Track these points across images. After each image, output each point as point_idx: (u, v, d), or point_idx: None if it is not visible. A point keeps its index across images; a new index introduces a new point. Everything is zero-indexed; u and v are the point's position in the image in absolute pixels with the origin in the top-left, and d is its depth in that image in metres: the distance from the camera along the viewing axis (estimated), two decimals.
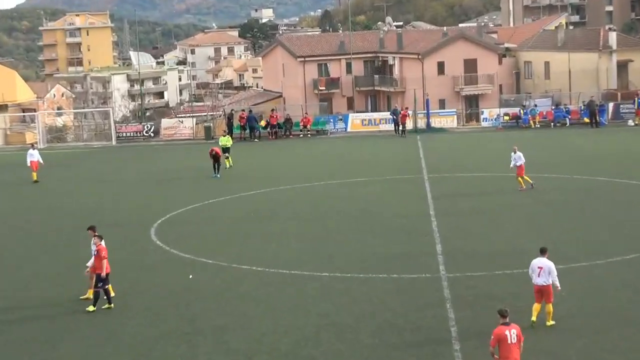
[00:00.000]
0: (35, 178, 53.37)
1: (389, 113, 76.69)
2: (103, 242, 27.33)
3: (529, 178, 43.86)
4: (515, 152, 44.27)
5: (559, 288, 24.10)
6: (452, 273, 29.52)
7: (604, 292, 26.68)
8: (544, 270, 24.05)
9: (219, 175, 52.24)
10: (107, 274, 26.79)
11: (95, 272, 26.90)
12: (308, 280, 29.55)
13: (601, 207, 39.46)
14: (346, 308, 26.33)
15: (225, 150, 55.10)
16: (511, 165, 44.34)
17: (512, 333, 18.93)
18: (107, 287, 26.97)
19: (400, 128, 71.28)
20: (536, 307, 24.11)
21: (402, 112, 72.79)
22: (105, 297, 27.02)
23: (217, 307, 27.01)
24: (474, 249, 32.67)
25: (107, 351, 23.73)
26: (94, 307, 26.76)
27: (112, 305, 27.01)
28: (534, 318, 23.99)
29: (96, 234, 27.87)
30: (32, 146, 56.34)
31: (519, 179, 43.95)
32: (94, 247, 27.35)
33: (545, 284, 23.98)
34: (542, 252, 24.62)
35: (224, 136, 57.21)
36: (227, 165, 54.88)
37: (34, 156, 54.12)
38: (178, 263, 32.45)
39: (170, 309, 26.92)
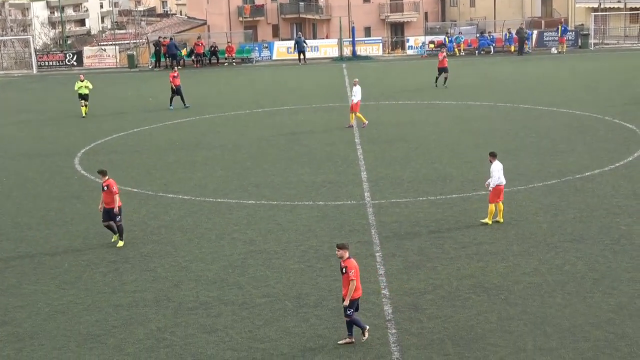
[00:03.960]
0: None
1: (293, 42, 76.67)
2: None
3: (363, 117, 42.74)
4: (355, 86, 42.76)
5: None
6: (377, 200, 29.96)
7: (524, 217, 27.32)
8: (497, 170, 26.64)
9: (186, 106, 50.68)
10: (119, 207, 26.18)
11: (108, 207, 26.10)
12: (234, 208, 29.78)
13: (524, 134, 40.11)
14: (272, 235, 26.66)
15: (83, 97, 49.54)
16: (351, 99, 43.18)
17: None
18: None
19: (441, 75, 55.36)
20: (500, 206, 26.67)
21: (440, 53, 56.96)
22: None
23: (143, 236, 27.13)
24: (399, 176, 33.11)
25: (31, 279, 23.80)
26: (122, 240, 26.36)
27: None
28: (500, 218, 26.79)
29: (100, 171, 26.88)
30: None
31: (352, 114, 42.77)
32: None
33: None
34: (496, 155, 26.96)
35: (81, 80, 49.70)
36: (84, 114, 49.59)
37: None
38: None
39: (97, 238, 26.94)
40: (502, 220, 26.71)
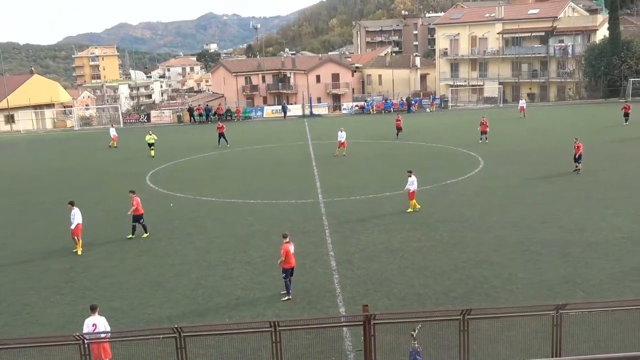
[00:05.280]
0: (115, 145, 52.32)
1: (280, 106, 76.13)
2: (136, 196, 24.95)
3: (345, 151, 42.21)
4: (341, 131, 42.47)
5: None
6: (326, 199, 29.88)
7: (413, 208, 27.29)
8: (415, 180, 26.44)
9: (228, 145, 48.90)
10: (141, 214, 24.65)
11: (135, 213, 24.60)
12: (242, 205, 29.56)
13: (411, 159, 40.05)
14: (265, 221, 26.51)
15: (150, 145, 46.40)
16: (338, 139, 42.66)
17: (293, 247, 18.50)
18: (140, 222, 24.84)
19: (399, 133, 49.64)
20: (413, 203, 26.40)
21: (397, 118, 51.79)
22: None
23: (187, 222, 26.88)
24: (339, 184, 33.03)
25: (119, 250, 23.46)
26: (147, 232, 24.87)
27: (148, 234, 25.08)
28: (416, 207, 26.41)
29: (130, 190, 25.53)
30: (112, 126, 57.50)
31: (339, 149, 42.15)
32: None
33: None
34: (412, 172, 26.65)
35: (150, 134, 47.09)
36: (152, 155, 45.57)
37: (113, 131, 53.40)
38: (163, 197, 32.08)
39: (157, 224, 26.65)
40: (419, 207, 26.61)
